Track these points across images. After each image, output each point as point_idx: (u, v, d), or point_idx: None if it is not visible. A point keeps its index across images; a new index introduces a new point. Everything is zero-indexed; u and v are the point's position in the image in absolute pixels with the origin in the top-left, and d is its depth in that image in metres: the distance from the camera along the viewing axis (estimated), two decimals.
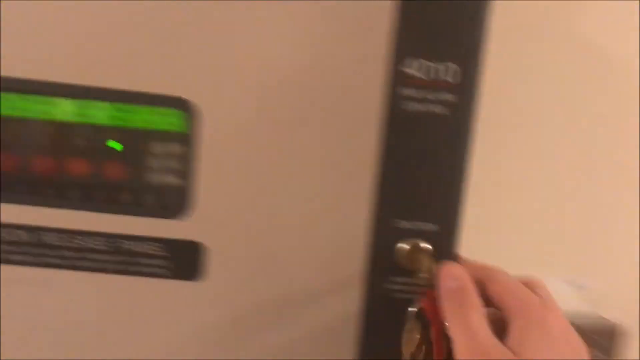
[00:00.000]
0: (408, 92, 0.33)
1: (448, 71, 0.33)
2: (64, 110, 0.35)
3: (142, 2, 0.33)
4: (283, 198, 0.34)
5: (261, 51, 0.33)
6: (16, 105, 0.36)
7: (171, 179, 0.35)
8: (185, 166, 0.35)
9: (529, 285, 0.32)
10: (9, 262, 0.35)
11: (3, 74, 0.34)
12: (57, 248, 0.35)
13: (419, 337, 0.32)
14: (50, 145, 0.35)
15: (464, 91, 0.33)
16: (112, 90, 0.34)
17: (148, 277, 0.35)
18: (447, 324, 0.31)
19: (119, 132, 0.35)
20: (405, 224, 0.34)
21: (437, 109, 0.33)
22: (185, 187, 0.35)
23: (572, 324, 0.31)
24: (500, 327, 0.30)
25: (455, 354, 0.29)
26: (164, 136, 0.35)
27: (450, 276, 0.32)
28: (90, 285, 0.35)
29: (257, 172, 0.34)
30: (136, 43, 0.34)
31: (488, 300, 0.32)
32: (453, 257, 0.34)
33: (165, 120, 0.35)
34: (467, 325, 0.30)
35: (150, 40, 0.34)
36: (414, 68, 0.33)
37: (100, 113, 0.35)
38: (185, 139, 0.35)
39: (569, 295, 0.46)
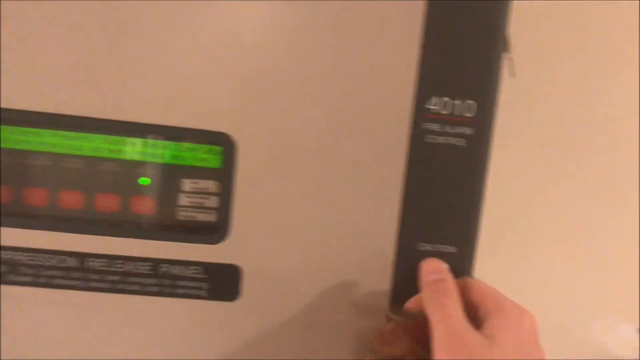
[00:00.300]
0: (430, 126, 0.36)
1: (466, 107, 0.36)
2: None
3: (177, 39, 0.35)
4: (315, 223, 0.37)
5: (297, 90, 0.36)
6: (52, 141, 0.37)
7: (210, 209, 0.38)
8: (222, 197, 0.37)
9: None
10: (57, 286, 0.37)
11: (36, 109, 0.35)
12: (101, 273, 0.37)
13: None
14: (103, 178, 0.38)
15: (481, 125, 0.37)
16: (164, 126, 0.36)
17: (188, 298, 0.37)
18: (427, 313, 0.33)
19: (156, 166, 0.38)
20: (427, 247, 0.37)
21: (456, 142, 0.36)
22: (222, 216, 0.37)
23: None
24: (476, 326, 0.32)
25: (433, 339, 0.32)
26: (201, 170, 0.38)
27: (431, 270, 0.35)
28: (134, 308, 0.37)
29: (291, 199, 0.37)
30: (169, 79, 0.36)
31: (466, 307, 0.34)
32: (469, 277, 0.38)
33: (203, 156, 0.38)
34: (444, 312, 0.32)
35: (185, 76, 0.36)
36: (436, 105, 0.36)
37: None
38: (221, 173, 0.37)
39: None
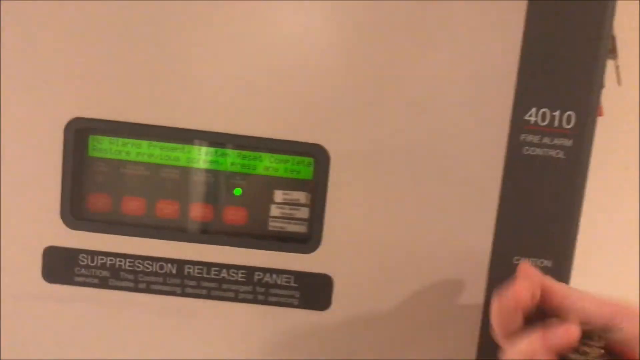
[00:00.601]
0: (529, 138, 0.36)
1: (566, 119, 0.35)
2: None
3: (270, 50, 0.36)
4: (407, 234, 0.37)
5: (392, 100, 0.36)
6: (151, 152, 0.39)
7: (301, 220, 0.38)
8: (314, 208, 0.37)
9: None
10: (156, 292, 0.38)
11: (134, 120, 0.37)
12: (199, 279, 0.38)
13: None
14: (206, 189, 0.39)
15: (580, 137, 0.36)
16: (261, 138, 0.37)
17: (280, 306, 0.38)
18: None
19: (249, 177, 0.39)
20: (522, 260, 0.37)
21: (555, 154, 0.36)
22: (314, 227, 0.37)
23: None
24: None
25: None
26: (292, 182, 0.38)
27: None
28: (228, 315, 0.38)
29: (383, 211, 0.37)
30: (266, 92, 0.36)
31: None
32: None
33: (295, 167, 0.38)
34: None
35: (278, 87, 0.36)
36: (535, 116, 0.35)
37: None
38: (313, 185, 0.37)
39: None
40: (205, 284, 0.38)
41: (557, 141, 0.36)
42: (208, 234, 0.39)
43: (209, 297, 0.38)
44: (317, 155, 0.37)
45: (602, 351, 0.30)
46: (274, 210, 0.39)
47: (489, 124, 0.36)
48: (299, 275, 0.38)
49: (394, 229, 0.37)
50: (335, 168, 0.37)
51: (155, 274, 0.38)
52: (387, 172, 0.37)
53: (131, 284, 0.38)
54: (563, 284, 0.32)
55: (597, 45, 0.35)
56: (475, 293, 0.37)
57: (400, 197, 0.37)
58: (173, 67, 0.36)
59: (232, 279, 0.38)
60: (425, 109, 0.36)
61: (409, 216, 0.37)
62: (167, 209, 0.39)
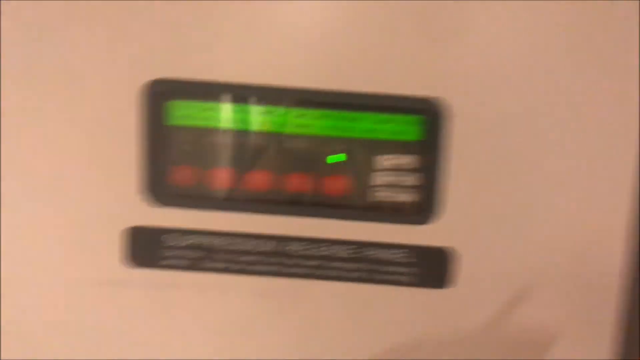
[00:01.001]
0: None
1: None
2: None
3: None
4: (536, 201, 0.32)
5: (522, 54, 0.31)
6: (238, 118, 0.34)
7: (417, 186, 0.34)
8: (431, 173, 0.33)
9: None
10: (253, 273, 0.34)
11: (216, 80, 0.32)
12: (301, 258, 0.33)
13: None
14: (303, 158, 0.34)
15: None
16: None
17: (393, 285, 0.34)
18: None
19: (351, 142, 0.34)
20: None
21: None
22: (432, 193, 0.33)
23: None
24: None
25: None
26: (400, 145, 0.34)
27: None
28: (335, 295, 0.34)
29: (509, 173, 0.32)
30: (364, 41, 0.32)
31: None
32: None
33: (400, 127, 0.34)
34: None
35: (382, 36, 0.32)
36: None
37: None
38: (423, 146, 0.33)
39: None
40: (308, 262, 0.33)
41: None
42: (307, 206, 0.34)
43: (312, 276, 0.34)
44: (427, 112, 0.32)
45: None
46: (380, 178, 0.34)
47: (622, 79, 0.31)
48: (416, 250, 0.33)
49: (522, 194, 0.32)
50: (450, 126, 0.32)
51: (252, 252, 0.34)
52: (514, 128, 0.32)
53: (225, 265, 0.34)
54: None
55: None
56: (613, 266, 0.32)
57: (527, 157, 0.32)
58: (261, 17, 0.32)
59: (338, 256, 0.33)
60: (559, 57, 0.31)
61: (538, 182, 0.32)
62: (259, 180, 0.34)
